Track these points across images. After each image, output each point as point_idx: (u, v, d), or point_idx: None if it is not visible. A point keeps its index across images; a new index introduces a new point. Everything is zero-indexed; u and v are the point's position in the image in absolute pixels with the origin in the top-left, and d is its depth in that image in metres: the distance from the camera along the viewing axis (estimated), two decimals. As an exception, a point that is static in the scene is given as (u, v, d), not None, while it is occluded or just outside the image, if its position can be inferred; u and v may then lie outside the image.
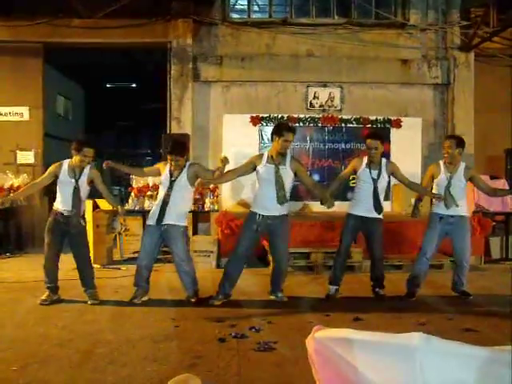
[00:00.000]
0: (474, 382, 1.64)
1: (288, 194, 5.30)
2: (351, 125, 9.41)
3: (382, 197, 5.54)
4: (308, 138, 9.43)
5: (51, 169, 5.40)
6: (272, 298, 5.49)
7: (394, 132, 9.41)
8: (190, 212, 7.74)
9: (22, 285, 6.12)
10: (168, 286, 6.06)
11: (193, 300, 5.32)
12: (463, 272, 5.60)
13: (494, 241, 8.29)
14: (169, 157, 5.31)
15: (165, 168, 5.40)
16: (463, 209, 5.53)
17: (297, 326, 4.49)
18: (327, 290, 5.65)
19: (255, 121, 9.23)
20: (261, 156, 5.45)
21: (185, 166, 5.33)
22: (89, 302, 5.27)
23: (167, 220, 5.26)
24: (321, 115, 9.44)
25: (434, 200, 5.64)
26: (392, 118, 9.42)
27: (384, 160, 5.63)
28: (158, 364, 3.63)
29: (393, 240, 7.29)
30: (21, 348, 3.94)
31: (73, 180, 5.28)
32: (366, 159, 5.57)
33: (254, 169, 5.38)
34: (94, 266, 5.68)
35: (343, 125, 9.40)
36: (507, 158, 8.92)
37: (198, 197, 7.76)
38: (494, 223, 8.41)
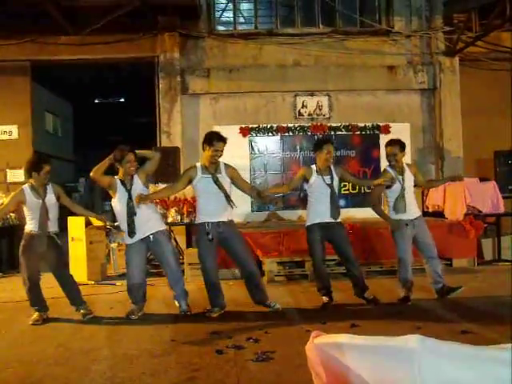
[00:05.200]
0: (472, 381, 1.65)
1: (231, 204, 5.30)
2: (340, 132, 9.47)
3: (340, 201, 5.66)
4: (298, 147, 9.47)
5: (13, 196, 5.29)
6: (266, 308, 5.43)
7: (383, 138, 9.46)
8: (183, 225, 7.78)
9: (16, 304, 6.05)
10: (163, 300, 6.03)
11: (188, 313, 5.30)
12: (440, 266, 5.70)
13: (486, 242, 8.35)
14: (131, 157, 5.17)
15: (113, 182, 5.26)
16: (417, 207, 5.79)
17: (294, 334, 4.49)
18: (322, 299, 5.64)
19: (245, 132, 9.26)
20: (194, 168, 5.35)
21: (133, 173, 5.26)
22: (82, 318, 5.23)
23: (148, 230, 5.23)
24: (310, 124, 9.49)
25: (390, 206, 5.68)
26: (381, 124, 9.49)
27: (331, 165, 5.66)
28: (157, 379, 3.60)
29: (385, 245, 7.32)
30: (17, 368, 3.90)
31: (40, 200, 5.17)
32: (314, 167, 5.62)
33: (190, 182, 5.32)
34: (89, 282, 5.64)
35: (332, 133, 9.46)
36: (496, 160, 9.00)
37: (190, 210, 7.75)
38: (485, 225, 8.48)
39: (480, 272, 7.46)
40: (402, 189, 5.57)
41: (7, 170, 9.42)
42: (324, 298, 5.61)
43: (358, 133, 9.48)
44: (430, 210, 8.73)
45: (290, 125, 9.44)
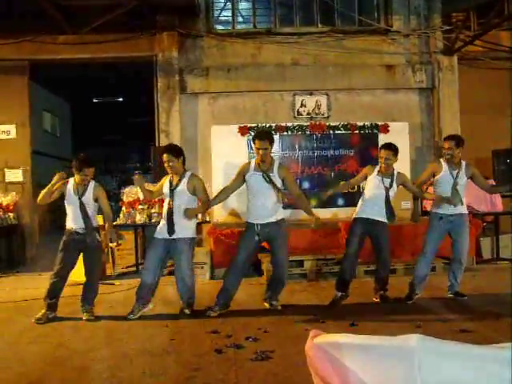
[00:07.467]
0: (472, 381, 1.65)
1: (280, 199, 5.26)
2: (339, 131, 9.46)
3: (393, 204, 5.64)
4: (297, 146, 9.45)
5: (61, 183, 5.39)
6: (266, 305, 5.47)
7: (381, 137, 9.46)
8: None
9: (15, 304, 6.06)
10: (163, 299, 6.03)
11: (187, 311, 5.30)
12: (460, 271, 5.67)
13: (485, 241, 8.36)
14: (164, 157, 5.28)
15: (166, 180, 5.43)
16: (463, 207, 5.61)
17: (293, 334, 4.49)
18: (333, 295, 5.64)
19: (243, 131, 9.24)
20: (248, 164, 5.42)
21: (184, 174, 5.33)
22: (84, 318, 5.22)
23: (174, 234, 5.25)
24: (308, 123, 9.48)
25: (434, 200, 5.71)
26: (379, 124, 9.47)
27: (396, 171, 5.71)
28: (156, 378, 3.61)
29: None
30: (16, 368, 3.89)
31: (77, 197, 5.30)
32: (378, 167, 5.69)
33: (244, 178, 5.36)
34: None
35: (331, 132, 9.45)
36: (494, 159, 9.01)
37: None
38: (484, 224, 8.49)
39: (479, 271, 7.47)
40: (454, 182, 5.49)
41: (5, 169, 9.40)
42: (338, 293, 5.61)
43: (357, 132, 9.46)
44: (428, 209, 8.71)
45: (288, 124, 9.43)
